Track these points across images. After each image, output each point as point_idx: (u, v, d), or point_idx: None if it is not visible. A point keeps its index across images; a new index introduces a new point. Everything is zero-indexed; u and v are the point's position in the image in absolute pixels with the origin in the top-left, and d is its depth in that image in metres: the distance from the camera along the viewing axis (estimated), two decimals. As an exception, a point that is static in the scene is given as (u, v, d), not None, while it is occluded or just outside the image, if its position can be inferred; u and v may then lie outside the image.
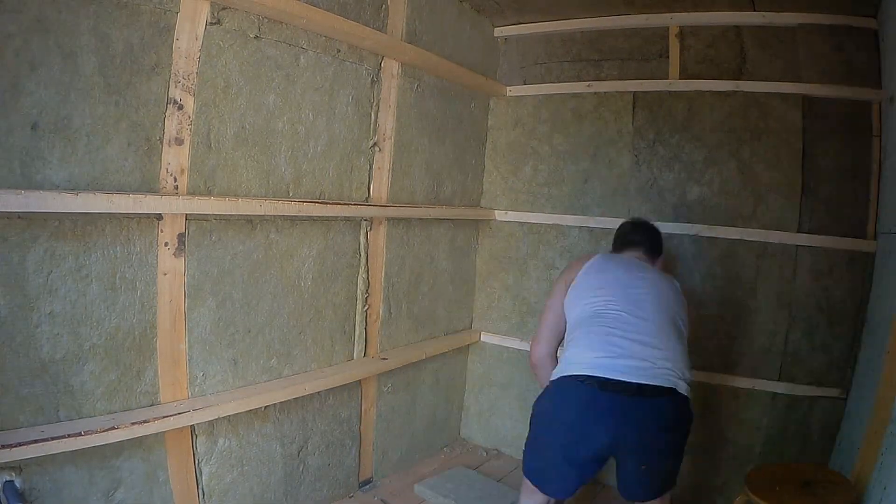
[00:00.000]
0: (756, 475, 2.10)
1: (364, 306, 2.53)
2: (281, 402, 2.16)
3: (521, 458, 1.97)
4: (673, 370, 1.73)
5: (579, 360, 1.74)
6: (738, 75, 2.67)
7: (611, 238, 2.89)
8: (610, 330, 1.76)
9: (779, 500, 1.89)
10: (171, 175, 1.76)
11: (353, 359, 2.51)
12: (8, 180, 1.43)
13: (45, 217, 1.50)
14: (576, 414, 1.71)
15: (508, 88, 3.18)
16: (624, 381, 1.65)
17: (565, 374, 1.75)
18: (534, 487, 1.85)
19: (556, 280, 2.09)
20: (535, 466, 1.85)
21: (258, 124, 2.01)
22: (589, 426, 1.69)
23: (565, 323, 1.96)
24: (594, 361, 1.70)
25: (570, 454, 1.74)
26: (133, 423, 1.64)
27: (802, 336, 2.57)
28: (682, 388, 1.74)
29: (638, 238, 2.17)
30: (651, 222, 2.26)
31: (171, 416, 1.74)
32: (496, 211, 3.20)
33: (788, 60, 2.59)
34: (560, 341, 2.01)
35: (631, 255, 2.12)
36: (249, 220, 2.02)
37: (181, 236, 1.81)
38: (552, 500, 1.90)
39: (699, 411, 2.71)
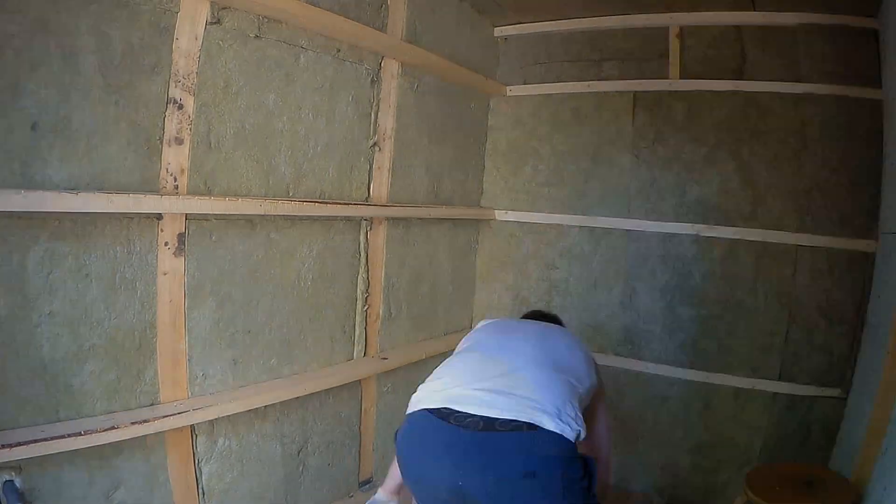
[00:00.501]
0: (756, 475, 2.10)
1: (364, 306, 2.53)
2: (281, 402, 2.16)
3: None
4: (543, 407, 1.35)
5: (427, 393, 1.47)
6: (738, 75, 2.67)
7: (611, 239, 2.92)
8: (468, 366, 1.54)
9: (779, 500, 1.89)
10: (171, 175, 1.76)
11: (353, 358, 2.51)
12: (8, 180, 1.42)
13: (46, 217, 1.50)
14: (418, 447, 1.43)
15: (508, 88, 3.18)
16: (471, 415, 1.34)
17: (411, 411, 1.48)
18: None
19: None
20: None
21: (258, 124, 2.01)
22: (431, 458, 1.39)
23: None
24: (443, 393, 1.43)
25: (419, 486, 1.46)
26: (133, 423, 1.64)
27: (802, 336, 2.57)
28: (552, 426, 1.32)
29: (539, 317, 2.07)
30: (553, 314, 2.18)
31: (170, 415, 1.74)
32: (496, 211, 3.20)
33: (788, 60, 2.59)
34: None
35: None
36: (249, 220, 2.02)
37: (181, 236, 1.80)
38: None
39: (699, 411, 2.73)
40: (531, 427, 1.31)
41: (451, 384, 1.46)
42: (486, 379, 1.45)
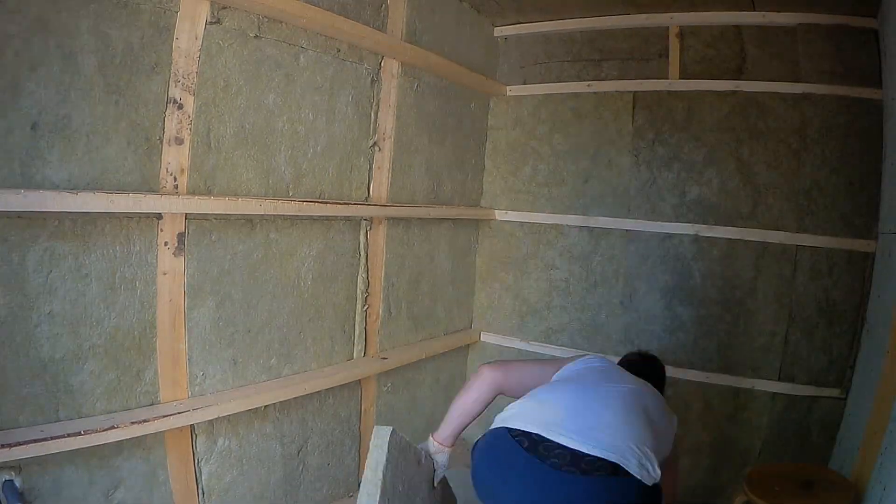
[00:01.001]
0: (755, 475, 2.10)
1: (364, 306, 2.53)
2: (281, 402, 2.16)
3: None
4: (628, 450, 1.33)
5: (514, 411, 1.46)
6: (737, 75, 2.67)
7: (611, 239, 2.92)
8: (562, 394, 1.52)
9: (778, 500, 1.88)
10: (171, 174, 1.76)
11: (352, 358, 2.51)
12: (8, 180, 1.43)
13: (45, 217, 1.50)
14: (497, 469, 1.41)
15: (508, 88, 3.18)
16: (559, 445, 1.33)
17: (495, 427, 1.46)
18: None
19: (558, 360, 1.81)
20: None
21: (258, 124, 2.01)
22: (504, 485, 1.38)
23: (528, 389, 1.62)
24: (532, 417, 1.41)
25: None
26: (133, 423, 1.64)
27: (802, 336, 2.57)
28: (636, 471, 1.32)
29: (641, 369, 1.86)
30: (650, 356, 2.05)
31: (170, 415, 1.74)
32: (496, 211, 3.20)
33: (788, 60, 2.59)
34: (506, 392, 1.68)
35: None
36: (249, 220, 2.02)
37: (181, 236, 1.80)
38: None
39: (699, 411, 2.73)
40: (615, 471, 1.30)
41: (549, 410, 1.42)
42: (583, 412, 1.42)
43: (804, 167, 2.56)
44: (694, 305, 2.76)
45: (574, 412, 1.41)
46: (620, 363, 1.92)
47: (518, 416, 1.43)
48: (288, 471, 2.26)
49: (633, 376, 1.71)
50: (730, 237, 2.67)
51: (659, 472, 1.37)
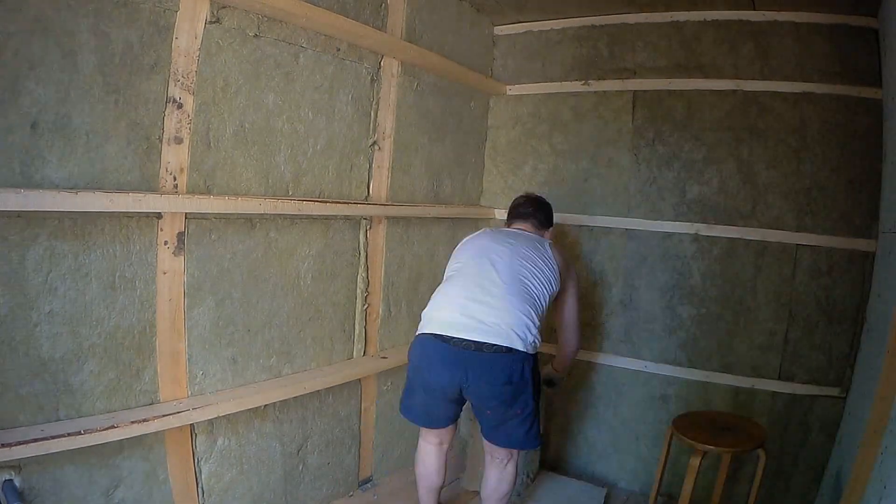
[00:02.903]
0: (682, 419, 2.41)
1: (364, 305, 2.53)
2: (280, 401, 2.16)
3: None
4: (514, 330, 1.96)
5: (432, 318, 2.04)
6: (737, 74, 2.67)
7: (610, 238, 2.92)
8: (459, 292, 2.06)
9: (692, 434, 2.23)
10: (171, 174, 1.76)
11: (352, 357, 2.51)
12: (7, 179, 1.43)
13: (45, 216, 1.50)
14: (428, 360, 2.04)
15: (508, 87, 3.18)
16: (465, 339, 1.95)
17: (421, 332, 2.06)
18: (422, 429, 2.22)
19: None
20: (406, 404, 2.19)
21: (258, 123, 2.01)
22: (438, 368, 2.01)
23: None
24: (443, 320, 2.01)
25: (427, 385, 2.06)
26: (132, 422, 1.64)
27: (802, 335, 2.57)
28: (522, 346, 1.95)
29: (528, 210, 2.41)
30: (542, 197, 2.49)
31: (170, 414, 1.74)
32: (496, 210, 3.20)
33: (788, 60, 2.59)
34: None
35: (517, 228, 2.38)
36: (249, 219, 2.02)
37: (181, 235, 1.81)
38: (444, 442, 2.22)
39: (699, 410, 2.73)
40: (509, 350, 1.94)
41: (449, 314, 2.01)
42: (473, 307, 1.98)
43: (804, 166, 2.56)
44: (694, 304, 2.76)
45: (469, 313, 1.97)
46: (512, 219, 2.44)
47: (433, 321, 2.03)
48: (288, 470, 2.27)
49: (512, 231, 2.33)
50: (730, 236, 2.67)
51: (539, 334, 2.02)
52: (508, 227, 2.43)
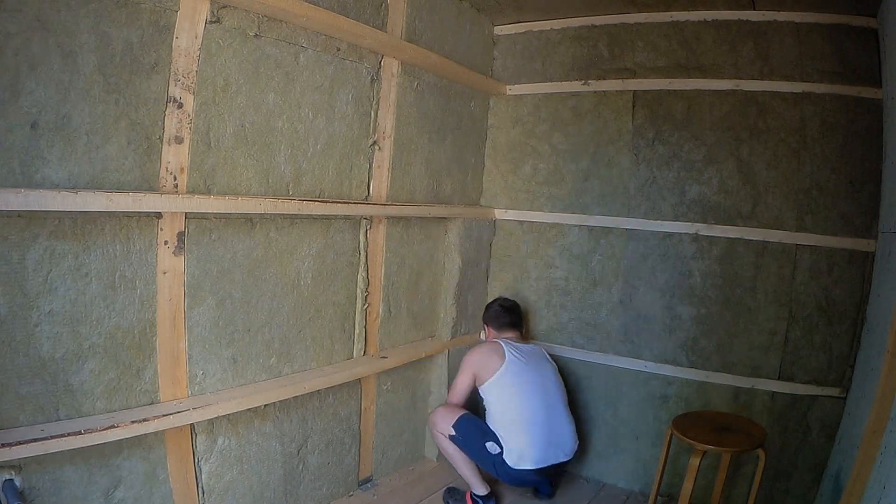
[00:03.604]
0: (681, 419, 2.44)
1: (364, 305, 2.53)
2: (280, 401, 2.16)
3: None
4: (573, 446, 2.58)
5: (524, 454, 2.44)
6: (737, 74, 2.67)
7: (610, 238, 2.92)
8: (540, 431, 2.48)
9: (691, 434, 2.25)
10: (171, 174, 1.76)
11: (352, 357, 2.52)
12: (8, 179, 1.43)
13: (45, 216, 1.50)
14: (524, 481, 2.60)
15: (508, 87, 3.18)
16: (552, 465, 2.49)
17: (520, 468, 2.43)
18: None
19: (466, 365, 2.64)
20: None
21: (258, 123, 2.01)
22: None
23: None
24: (535, 456, 2.43)
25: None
26: (133, 422, 1.64)
27: (802, 335, 2.57)
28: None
29: (514, 320, 2.84)
30: (515, 302, 2.91)
31: (170, 414, 1.74)
32: (496, 209, 3.20)
33: (788, 60, 2.59)
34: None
35: (519, 342, 2.77)
36: (249, 219, 2.02)
37: (181, 235, 1.81)
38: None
39: (699, 410, 2.73)
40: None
41: (538, 448, 2.45)
42: (551, 440, 2.49)
43: (804, 166, 2.56)
44: (694, 304, 2.76)
45: (546, 443, 2.47)
46: (504, 327, 2.82)
47: (522, 457, 2.44)
48: (288, 470, 2.27)
49: (536, 361, 2.67)
50: (730, 236, 2.67)
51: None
52: (502, 334, 2.81)
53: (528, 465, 2.43)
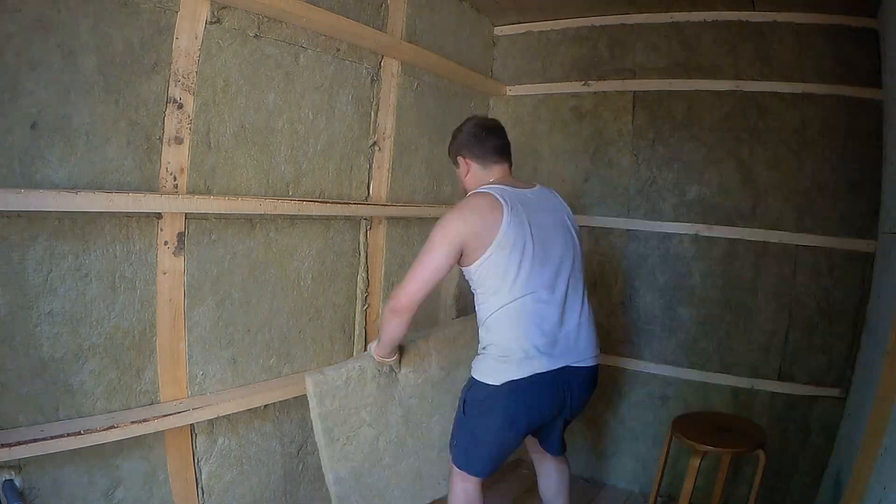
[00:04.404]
0: (680, 420, 2.42)
1: (364, 305, 2.53)
2: (281, 401, 2.16)
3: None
4: (595, 342, 1.96)
5: (524, 354, 1.78)
6: (737, 75, 2.67)
7: (610, 238, 2.92)
8: (542, 318, 1.80)
9: (692, 436, 2.23)
10: (171, 174, 1.76)
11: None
12: (7, 179, 1.43)
13: (45, 216, 1.50)
14: (538, 404, 1.86)
15: (508, 88, 3.18)
16: (569, 366, 1.84)
17: (519, 377, 1.77)
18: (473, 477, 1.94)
19: (443, 232, 1.79)
20: (486, 459, 1.92)
21: (258, 123, 2.01)
22: (545, 408, 1.88)
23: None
24: (538, 355, 1.78)
25: (520, 430, 1.89)
26: (132, 422, 1.64)
27: (802, 336, 2.57)
28: (598, 358, 1.97)
29: (502, 144, 1.99)
30: (496, 120, 2.08)
31: (170, 415, 1.74)
32: (496, 210, 3.20)
33: (788, 60, 2.59)
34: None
35: (513, 181, 1.97)
36: (249, 219, 2.02)
37: (181, 235, 1.81)
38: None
39: (699, 410, 2.73)
40: (595, 363, 1.96)
41: (543, 343, 1.79)
42: (564, 334, 1.85)
43: (804, 167, 2.56)
44: (694, 305, 2.76)
45: (564, 344, 1.84)
46: (491, 157, 1.99)
47: (521, 361, 1.77)
48: (288, 470, 2.27)
49: (543, 207, 1.97)
50: (730, 237, 2.68)
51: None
52: (488, 170, 1.99)
53: (540, 367, 1.75)
